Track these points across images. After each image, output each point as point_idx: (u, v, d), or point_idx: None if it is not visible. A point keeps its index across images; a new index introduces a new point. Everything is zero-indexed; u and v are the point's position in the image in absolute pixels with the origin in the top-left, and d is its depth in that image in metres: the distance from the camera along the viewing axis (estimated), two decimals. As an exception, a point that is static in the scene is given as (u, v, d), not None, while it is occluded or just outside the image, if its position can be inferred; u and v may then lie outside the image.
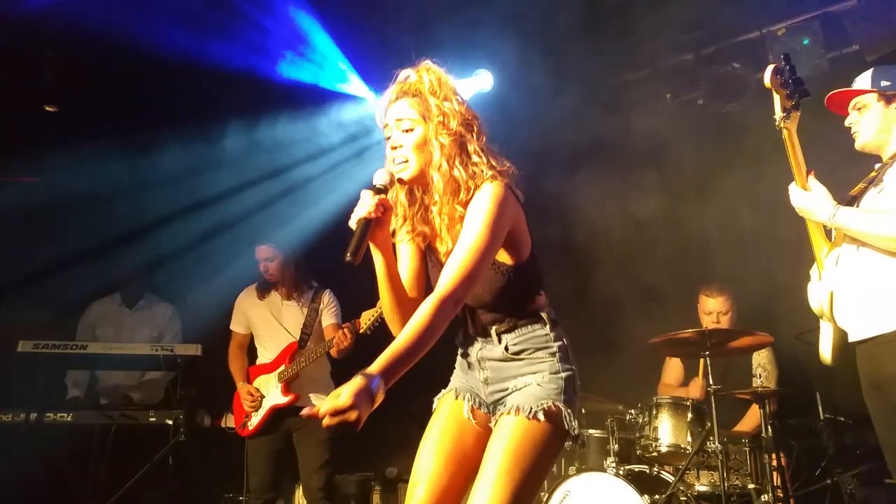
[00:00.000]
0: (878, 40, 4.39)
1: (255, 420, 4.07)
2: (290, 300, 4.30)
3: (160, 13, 4.55)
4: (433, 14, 4.66)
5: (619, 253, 5.31)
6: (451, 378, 2.27)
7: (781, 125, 2.64)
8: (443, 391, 2.25)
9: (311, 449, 4.06)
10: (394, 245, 2.15)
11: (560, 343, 2.12)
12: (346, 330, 3.92)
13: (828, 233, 2.79)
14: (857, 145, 2.78)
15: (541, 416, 1.98)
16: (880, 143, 2.72)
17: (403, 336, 1.81)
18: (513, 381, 2.09)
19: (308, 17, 4.96)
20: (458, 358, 2.27)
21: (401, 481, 4.96)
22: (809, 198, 2.63)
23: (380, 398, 1.68)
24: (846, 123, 2.80)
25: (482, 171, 2.03)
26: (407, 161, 2.04)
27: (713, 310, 4.47)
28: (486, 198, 1.97)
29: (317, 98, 5.49)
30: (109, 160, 5.05)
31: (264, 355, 4.24)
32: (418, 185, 2.10)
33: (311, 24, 5.02)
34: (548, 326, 2.11)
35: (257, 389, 4.12)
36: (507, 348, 2.10)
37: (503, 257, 2.06)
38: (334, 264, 4.64)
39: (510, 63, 4.86)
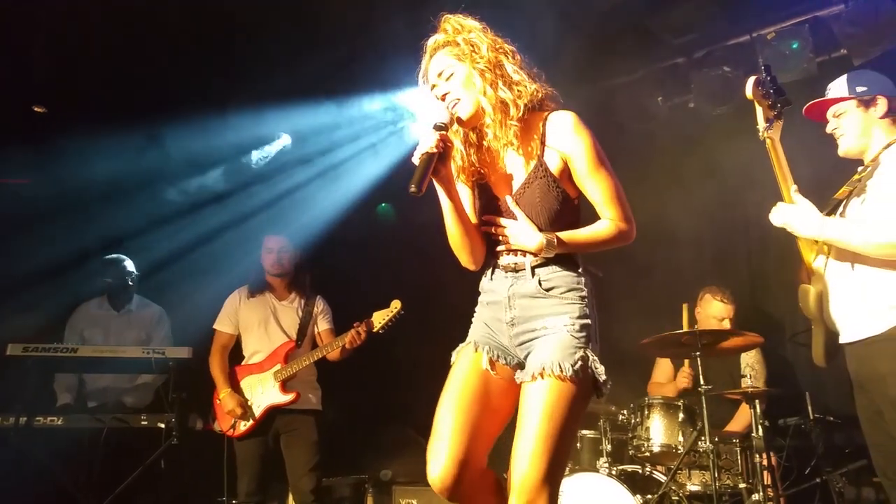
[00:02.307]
0: (865, 45, 4.43)
1: (248, 421, 4.06)
2: (284, 301, 4.31)
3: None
4: (428, 14, 4.66)
5: (608, 254, 5.32)
6: (470, 331, 2.26)
7: (765, 135, 2.68)
8: (461, 345, 2.24)
9: (301, 451, 4.06)
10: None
11: (589, 289, 2.17)
12: (360, 329, 3.96)
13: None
14: (840, 151, 2.83)
15: (580, 373, 2.01)
16: (862, 148, 2.77)
17: (587, 231, 2.14)
18: (542, 320, 2.11)
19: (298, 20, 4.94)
20: (481, 306, 2.27)
21: (395, 483, 4.96)
22: (796, 213, 2.64)
23: (547, 248, 2.06)
24: (828, 131, 2.85)
25: (526, 87, 2.15)
26: (459, 100, 2.15)
27: (725, 316, 4.47)
28: (582, 128, 2.13)
29: (307, 103, 5.50)
30: (100, 162, 5.04)
31: (255, 355, 4.22)
32: (475, 123, 2.19)
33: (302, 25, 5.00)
34: (580, 269, 2.17)
35: (246, 400, 4.09)
36: (540, 283, 2.12)
37: (567, 185, 2.17)
38: (327, 271, 4.65)
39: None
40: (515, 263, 2.17)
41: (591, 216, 2.23)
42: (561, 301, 2.12)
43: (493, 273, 2.24)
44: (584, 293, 2.15)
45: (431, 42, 2.22)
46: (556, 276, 2.14)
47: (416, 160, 2.07)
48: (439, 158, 2.08)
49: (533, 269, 2.14)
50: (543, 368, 2.01)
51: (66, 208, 5.18)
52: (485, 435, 2.10)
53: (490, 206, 2.22)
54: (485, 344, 2.19)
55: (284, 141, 5.87)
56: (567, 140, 2.14)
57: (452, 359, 2.24)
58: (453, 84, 2.16)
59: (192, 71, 4.82)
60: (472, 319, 2.30)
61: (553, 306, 2.12)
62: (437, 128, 2.09)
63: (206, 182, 5.71)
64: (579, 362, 2.03)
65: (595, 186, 2.15)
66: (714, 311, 4.50)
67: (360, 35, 4.87)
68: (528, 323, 2.14)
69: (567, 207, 2.17)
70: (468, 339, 2.24)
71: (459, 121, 2.16)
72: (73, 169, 5.06)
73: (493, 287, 2.22)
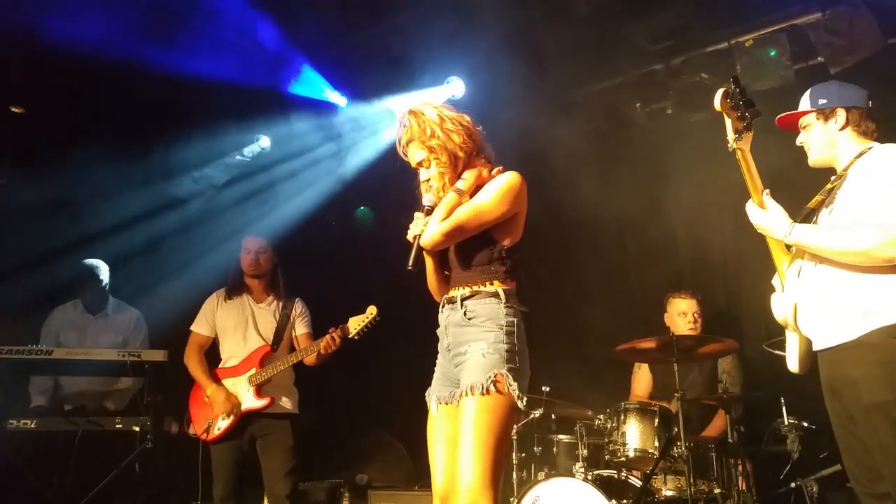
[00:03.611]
0: (841, 53, 4.47)
1: (222, 424, 4.01)
2: (262, 304, 4.28)
3: (133, 22, 4.50)
4: (406, 21, 4.68)
5: (586, 260, 5.35)
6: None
7: (734, 146, 2.70)
8: (429, 389, 2.62)
9: (277, 456, 4.02)
10: None
11: (511, 320, 2.48)
12: (335, 335, 3.94)
13: (788, 245, 2.85)
14: (810, 162, 2.87)
15: (491, 388, 2.34)
16: (829, 158, 2.80)
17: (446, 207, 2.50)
18: (466, 345, 2.46)
19: (274, 24, 4.95)
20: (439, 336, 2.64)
21: (370, 488, 4.95)
22: (766, 216, 2.69)
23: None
24: (797, 142, 2.89)
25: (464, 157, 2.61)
26: (434, 183, 2.61)
27: (687, 310, 4.55)
28: (503, 179, 2.56)
29: (287, 105, 5.48)
30: (75, 163, 4.99)
31: (231, 358, 4.18)
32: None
33: (278, 30, 5.01)
34: (503, 303, 2.48)
35: (235, 396, 4.06)
36: (465, 312, 2.48)
37: (498, 233, 2.55)
38: (302, 273, 4.63)
39: (482, 71, 4.89)
40: (451, 297, 2.56)
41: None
42: (480, 329, 2.45)
43: (441, 306, 2.62)
44: (501, 322, 2.45)
45: (404, 126, 2.67)
46: (479, 307, 2.49)
47: (410, 238, 2.54)
48: None
49: (462, 300, 2.50)
50: (463, 391, 2.38)
51: (41, 208, 5.14)
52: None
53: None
54: (433, 393, 2.58)
55: (264, 143, 5.86)
56: (490, 182, 2.57)
57: (427, 400, 2.61)
58: (429, 172, 2.62)
59: (172, 73, 4.79)
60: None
61: (475, 333, 2.46)
62: (427, 211, 2.56)
63: (185, 183, 5.68)
64: (490, 379, 2.34)
65: (470, 202, 2.52)
66: (679, 308, 4.59)
67: (339, 41, 4.87)
68: (458, 347, 2.49)
69: (486, 245, 2.54)
70: (431, 386, 2.62)
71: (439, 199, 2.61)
72: (50, 169, 5.03)
73: (440, 319, 2.61)
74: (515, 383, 2.37)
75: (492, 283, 2.51)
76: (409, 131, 2.65)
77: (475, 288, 2.52)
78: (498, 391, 2.34)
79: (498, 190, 2.52)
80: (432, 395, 2.58)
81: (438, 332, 2.62)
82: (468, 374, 2.40)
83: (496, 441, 2.33)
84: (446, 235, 2.48)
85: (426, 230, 2.50)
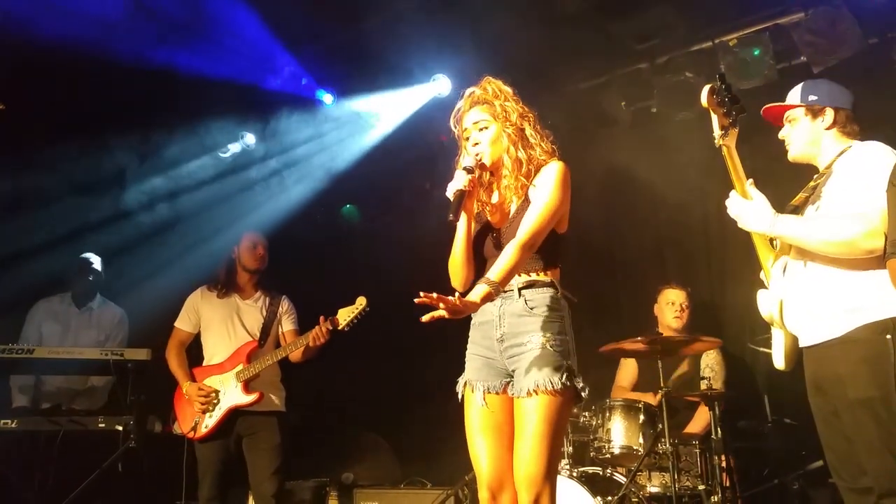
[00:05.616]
0: (823, 53, 4.52)
1: (210, 422, 3.97)
2: (249, 300, 4.25)
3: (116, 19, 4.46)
4: (391, 18, 4.67)
5: (571, 257, 5.36)
6: (466, 364, 2.60)
7: (720, 142, 2.71)
8: (460, 380, 2.61)
9: (263, 455, 3.98)
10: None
11: (567, 311, 2.51)
12: (324, 327, 3.90)
13: (772, 241, 2.86)
14: (790, 157, 2.89)
15: (567, 382, 2.36)
16: (811, 155, 2.82)
17: (504, 264, 2.36)
18: (528, 335, 2.43)
19: (259, 20, 4.92)
20: (473, 327, 2.60)
21: (356, 486, 4.93)
22: (749, 207, 2.67)
23: (492, 294, 2.33)
24: (780, 136, 2.90)
25: (538, 151, 2.59)
26: (486, 151, 2.60)
27: (675, 300, 4.61)
28: (555, 171, 2.53)
29: (270, 102, 5.46)
30: (57, 158, 4.95)
31: (215, 355, 4.13)
32: (493, 170, 2.66)
33: (264, 27, 4.98)
34: (559, 293, 2.50)
35: (210, 386, 4.02)
36: (525, 302, 2.45)
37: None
38: (288, 270, 4.60)
39: (468, 69, 4.89)
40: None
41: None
42: (542, 319, 2.44)
43: None
44: (562, 313, 2.48)
45: (472, 94, 2.67)
46: (538, 296, 2.47)
47: (449, 195, 2.51)
48: (468, 195, 2.53)
49: (519, 290, 2.47)
50: (538, 386, 2.35)
51: (21, 204, 5.09)
52: (510, 454, 2.45)
53: (483, 233, 2.63)
54: (476, 380, 2.52)
55: (249, 140, 5.83)
56: (543, 177, 2.54)
57: (459, 394, 2.60)
58: (484, 136, 2.60)
59: (156, 69, 4.75)
60: (467, 349, 2.61)
61: (537, 323, 2.44)
62: (468, 170, 2.54)
63: (165, 181, 5.64)
64: (564, 374, 2.37)
65: (534, 204, 2.48)
66: (668, 298, 4.65)
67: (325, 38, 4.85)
68: (516, 338, 2.45)
69: (546, 238, 2.47)
70: (464, 376, 2.59)
71: (482, 166, 2.60)
72: (32, 163, 4.98)
73: (483, 308, 2.47)
74: (580, 376, 2.43)
75: (545, 272, 2.52)
76: (477, 96, 2.65)
77: (531, 277, 2.50)
78: (565, 386, 2.36)
79: (556, 183, 2.50)
80: (476, 385, 2.52)
81: (478, 320, 2.57)
82: (535, 369, 2.38)
83: (560, 432, 2.42)
84: (530, 247, 2.42)
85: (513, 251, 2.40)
